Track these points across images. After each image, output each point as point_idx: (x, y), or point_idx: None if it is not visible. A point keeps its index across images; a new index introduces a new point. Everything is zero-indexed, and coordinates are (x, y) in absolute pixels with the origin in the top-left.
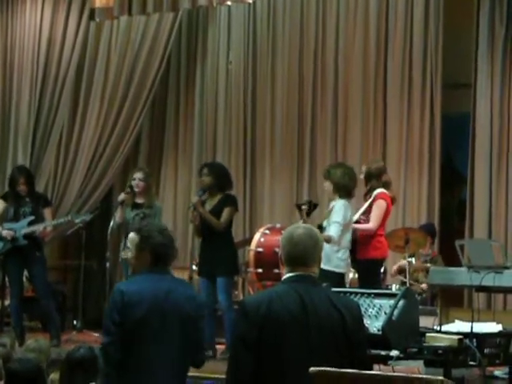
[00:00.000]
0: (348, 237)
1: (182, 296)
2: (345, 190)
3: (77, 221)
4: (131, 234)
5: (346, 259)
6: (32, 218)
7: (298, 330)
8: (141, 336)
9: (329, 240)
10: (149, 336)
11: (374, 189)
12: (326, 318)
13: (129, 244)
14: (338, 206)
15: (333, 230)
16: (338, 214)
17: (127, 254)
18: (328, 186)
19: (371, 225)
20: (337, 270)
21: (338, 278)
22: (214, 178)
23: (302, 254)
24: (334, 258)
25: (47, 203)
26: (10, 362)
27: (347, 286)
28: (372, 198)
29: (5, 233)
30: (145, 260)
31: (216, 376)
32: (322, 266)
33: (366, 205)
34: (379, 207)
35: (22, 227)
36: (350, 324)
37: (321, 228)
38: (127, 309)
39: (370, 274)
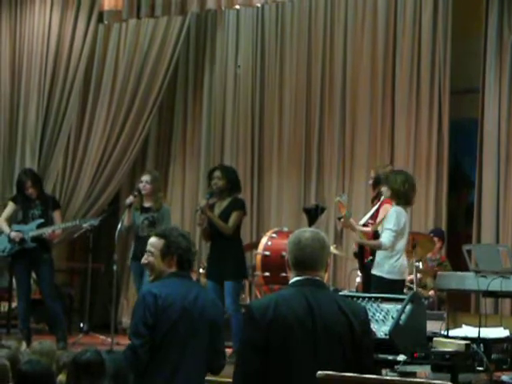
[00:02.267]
0: (402, 243)
1: (209, 301)
2: (403, 198)
3: (84, 225)
4: (153, 239)
5: (400, 265)
6: (41, 220)
7: (305, 334)
8: (171, 339)
9: (380, 247)
10: (179, 340)
11: (382, 194)
12: (332, 322)
13: (150, 248)
14: (391, 213)
15: (384, 237)
16: (389, 221)
17: (148, 258)
18: (385, 191)
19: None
20: (388, 277)
21: (390, 284)
22: (226, 181)
23: (309, 258)
24: (386, 264)
25: (56, 206)
26: (18, 364)
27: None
28: (380, 202)
29: (13, 234)
30: (169, 264)
31: (222, 380)
32: (374, 271)
33: (374, 209)
34: (384, 212)
35: (31, 230)
36: (357, 328)
37: (377, 234)
38: (161, 312)
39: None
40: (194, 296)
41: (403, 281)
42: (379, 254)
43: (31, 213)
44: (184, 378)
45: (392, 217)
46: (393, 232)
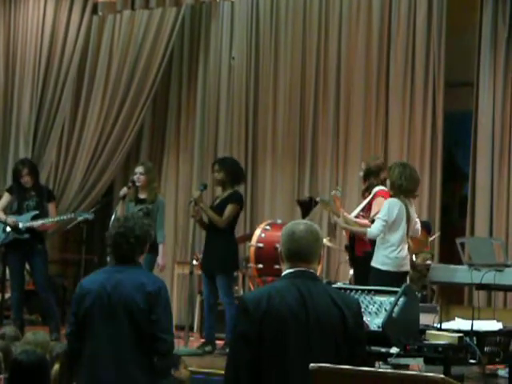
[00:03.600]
0: (397, 235)
1: (131, 286)
2: (400, 190)
3: (79, 218)
4: None
5: (395, 258)
6: (36, 212)
7: (298, 326)
8: (90, 326)
9: (363, 234)
10: (96, 326)
11: (373, 186)
12: (325, 314)
13: None
14: (384, 204)
15: (373, 225)
16: (382, 211)
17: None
18: (388, 183)
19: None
20: (382, 268)
21: (384, 276)
22: (225, 173)
23: (303, 250)
24: (380, 255)
25: (51, 197)
26: (10, 355)
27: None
28: (371, 195)
29: (9, 220)
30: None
31: (213, 371)
32: (371, 263)
33: (366, 202)
34: (379, 205)
35: (26, 221)
36: (350, 320)
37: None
38: (80, 299)
39: (369, 271)
40: (113, 283)
41: (402, 273)
42: (377, 245)
43: (26, 204)
44: (103, 363)
45: (384, 208)
46: (382, 221)
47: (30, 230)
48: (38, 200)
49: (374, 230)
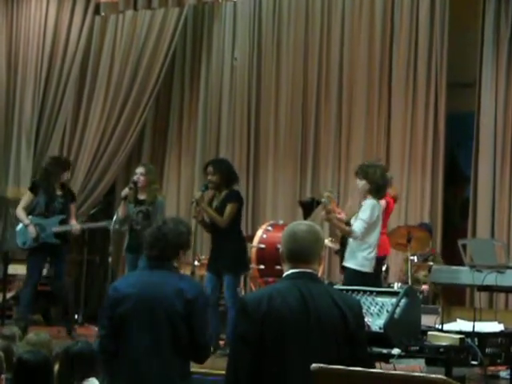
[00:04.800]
0: (375, 236)
1: (171, 290)
2: (382, 191)
3: (110, 227)
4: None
5: (371, 258)
6: (63, 216)
7: (299, 327)
8: (128, 330)
9: (350, 233)
10: (136, 329)
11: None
12: (326, 315)
13: None
14: (367, 205)
15: (356, 226)
16: (365, 212)
17: None
18: (364, 185)
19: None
20: (362, 269)
21: (362, 277)
22: (220, 175)
23: (304, 250)
24: (360, 257)
25: (74, 199)
26: (12, 355)
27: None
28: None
29: (31, 229)
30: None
31: (209, 371)
32: (347, 264)
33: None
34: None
35: (54, 225)
36: (351, 321)
37: (348, 225)
38: (116, 303)
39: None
40: (153, 286)
41: (372, 274)
42: (350, 246)
43: (53, 205)
44: (140, 364)
45: (368, 209)
46: (365, 223)
47: (58, 234)
48: (64, 202)
49: (357, 231)
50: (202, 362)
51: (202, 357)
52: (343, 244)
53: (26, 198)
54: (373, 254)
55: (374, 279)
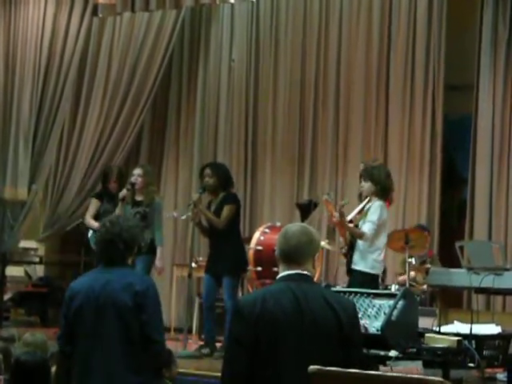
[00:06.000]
0: (383, 239)
1: (119, 285)
2: (388, 192)
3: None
4: None
5: (381, 261)
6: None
7: (293, 329)
8: (80, 327)
9: (361, 236)
10: (86, 327)
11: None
12: (320, 317)
13: None
14: (375, 207)
15: (366, 228)
16: (374, 214)
17: None
18: (369, 186)
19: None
20: (372, 272)
21: (372, 279)
22: (217, 178)
23: (296, 250)
24: (370, 259)
25: None
26: (10, 357)
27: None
28: (369, 198)
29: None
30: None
31: (204, 373)
32: (356, 267)
33: (362, 205)
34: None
35: None
36: (345, 323)
37: (356, 227)
38: (69, 300)
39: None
40: (102, 283)
41: (380, 276)
42: (358, 249)
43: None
44: (93, 364)
45: (377, 210)
46: (374, 225)
47: None
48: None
49: (368, 232)
50: (157, 361)
51: (155, 353)
52: (351, 247)
53: (93, 205)
54: (382, 257)
55: (378, 281)
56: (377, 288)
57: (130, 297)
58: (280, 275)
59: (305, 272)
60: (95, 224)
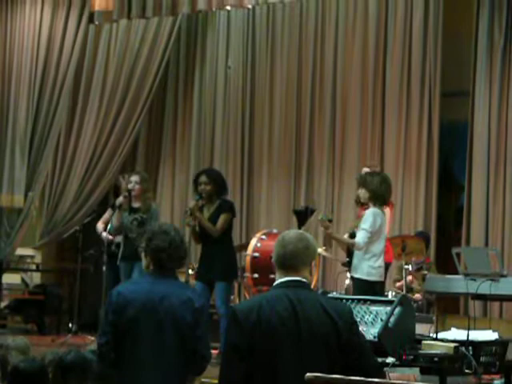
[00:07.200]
0: (380, 245)
1: (178, 300)
2: (381, 199)
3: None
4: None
5: (378, 267)
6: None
7: (289, 336)
8: (134, 336)
9: (353, 245)
10: (141, 337)
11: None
12: (316, 324)
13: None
14: (368, 214)
15: (358, 236)
16: (366, 222)
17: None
18: (364, 193)
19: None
20: (368, 279)
21: (369, 287)
22: (213, 185)
23: (292, 256)
24: (365, 266)
25: None
26: (8, 365)
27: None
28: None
29: (104, 235)
30: (148, 263)
31: (210, 381)
32: (354, 274)
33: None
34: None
35: None
36: (342, 329)
37: (353, 236)
38: (121, 308)
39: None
40: (159, 294)
41: (383, 282)
42: (356, 256)
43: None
44: (147, 374)
45: (369, 218)
46: (367, 233)
47: None
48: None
49: (360, 241)
50: (199, 374)
51: (201, 368)
52: (350, 255)
53: (106, 214)
54: (379, 263)
55: (381, 288)
56: (376, 295)
57: (190, 313)
58: (277, 282)
59: (302, 279)
60: (101, 230)
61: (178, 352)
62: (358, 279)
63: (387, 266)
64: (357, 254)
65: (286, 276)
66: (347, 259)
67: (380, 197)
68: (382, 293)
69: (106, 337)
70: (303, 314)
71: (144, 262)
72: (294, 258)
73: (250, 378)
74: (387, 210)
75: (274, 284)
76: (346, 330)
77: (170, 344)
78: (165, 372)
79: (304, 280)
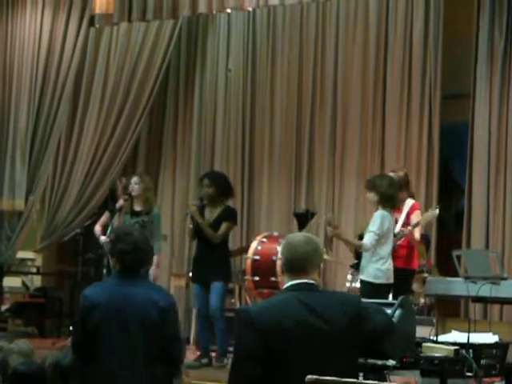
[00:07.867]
0: (387, 248)
1: (143, 299)
2: (391, 201)
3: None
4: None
5: (386, 270)
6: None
7: (303, 338)
8: (101, 337)
9: (360, 247)
10: (107, 339)
11: (405, 199)
12: (333, 323)
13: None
14: (376, 216)
15: (366, 238)
16: (373, 224)
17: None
18: (373, 197)
19: (417, 235)
20: (374, 281)
21: (375, 289)
22: (216, 188)
23: (301, 259)
24: (371, 269)
25: None
26: (8, 367)
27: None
28: (408, 208)
29: (102, 239)
30: (114, 263)
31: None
32: (362, 277)
33: (404, 216)
34: (418, 217)
35: None
36: (356, 319)
37: (361, 238)
38: (87, 311)
39: (407, 283)
40: (124, 294)
41: (390, 285)
42: (364, 258)
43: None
44: (114, 375)
45: (377, 220)
46: (375, 235)
47: None
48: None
49: (367, 243)
50: (176, 374)
51: (173, 370)
52: (358, 257)
53: (103, 217)
54: (387, 265)
55: (388, 290)
56: (381, 297)
57: (155, 312)
58: (286, 285)
59: (311, 281)
60: (99, 233)
61: (145, 351)
62: (364, 281)
63: (411, 273)
64: (365, 255)
65: (296, 279)
66: (356, 261)
67: (389, 199)
68: (387, 295)
69: (75, 337)
70: (316, 315)
71: (111, 261)
72: (303, 261)
73: (263, 382)
74: (417, 211)
75: (285, 287)
76: (358, 317)
77: (136, 343)
78: (133, 371)
79: (314, 282)
